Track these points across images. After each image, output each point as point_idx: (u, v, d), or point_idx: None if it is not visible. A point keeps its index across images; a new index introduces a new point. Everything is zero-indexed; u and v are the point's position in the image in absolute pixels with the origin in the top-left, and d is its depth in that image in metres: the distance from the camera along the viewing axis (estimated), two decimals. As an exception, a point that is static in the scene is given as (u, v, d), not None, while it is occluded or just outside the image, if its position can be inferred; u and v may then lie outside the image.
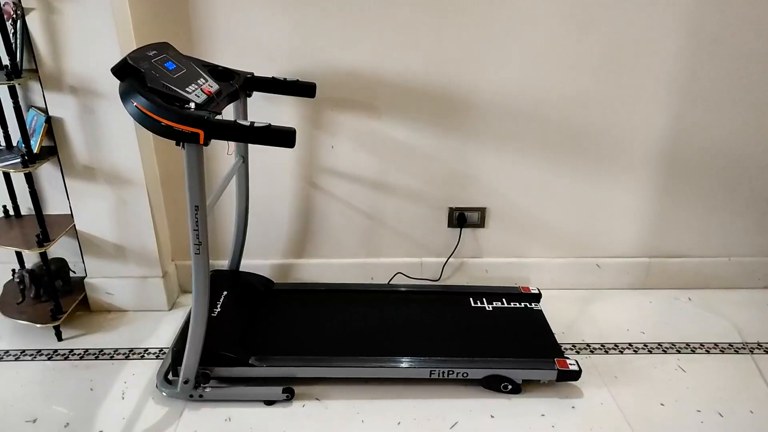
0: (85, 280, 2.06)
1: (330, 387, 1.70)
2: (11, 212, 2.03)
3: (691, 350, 1.89)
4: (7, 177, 1.97)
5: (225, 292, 1.91)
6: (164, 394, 1.67)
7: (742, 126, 2.00)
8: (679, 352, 1.88)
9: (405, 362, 1.68)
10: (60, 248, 2.12)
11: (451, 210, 2.12)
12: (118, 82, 1.36)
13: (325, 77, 1.92)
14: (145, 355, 1.87)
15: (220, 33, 1.86)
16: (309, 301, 1.99)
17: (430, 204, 2.11)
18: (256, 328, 1.81)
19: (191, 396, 1.64)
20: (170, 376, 1.70)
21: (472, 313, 1.93)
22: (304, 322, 1.87)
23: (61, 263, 2.05)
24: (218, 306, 1.83)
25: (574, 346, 1.91)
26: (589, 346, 1.91)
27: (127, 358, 1.85)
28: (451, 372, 1.66)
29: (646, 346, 1.91)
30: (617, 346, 1.91)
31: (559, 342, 1.81)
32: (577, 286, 2.22)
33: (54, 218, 2.01)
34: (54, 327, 1.91)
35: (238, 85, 1.69)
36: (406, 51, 1.88)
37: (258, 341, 1.75)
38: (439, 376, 1.66)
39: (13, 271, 1.99)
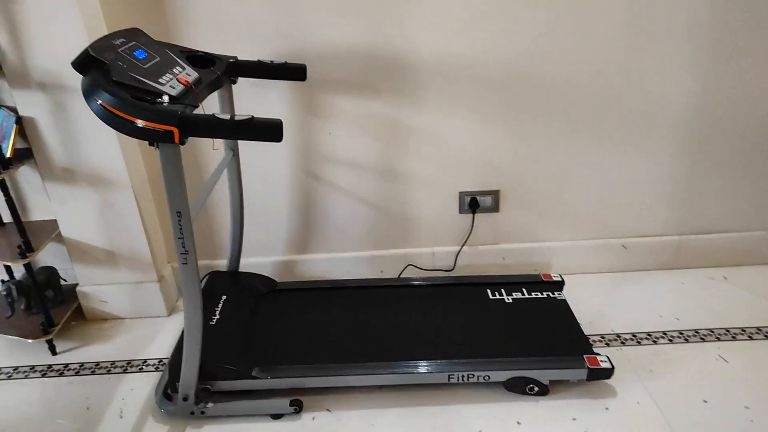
0: (77, 288, 1.94)
1: (341, 396, 1.58)
2: (-7, 221, 1.91)
3: (732, 336, 1.73)
4: (-15, 184, 1.84)
5: (224, 297, 1.78)
6: (164, 411, 1.55)
7: (782, 86, 1.80)
8: (718, 339, 1.73)
9: (421, 366, 1.55)
10: (49, 255, 2.00)
11: (462, 195, 1.95)
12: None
13: (316, 57, 1.75)
14: (144, 367, 1.75)
15: (199, 14, 1.69)
16: (315, 300, 1.85)
17: (439, 189, 1.95)
18: (258, 335, 1.68)
19: (192, 413, 1.52)
20: (170, 391, 1.57)
21: (491, 307, 1.78)
22: (310, 325, 1.73)
23: (50, 272, 1.92)
24: (217, 313, 1.70)
25: (603, 338, 1.76)
26: (620, 336, 1.76)
27: (124, 371, 1.74)
28: (471, 375, 1.52)
29: (682, 334, 1.76)
30: (650, 336, 1.76)
31: (586, 334, 1.66)
32: (602, 270, 2.06)
33: (38, 225, 1.88)
34: (47, 341, 1.80)
35: (220, 71, 1.53)
36: (402, 23, 1.70)
37: (261, 350, 1.62)
38: (458, 380, 1.53)
39: (1, 282, 1.88)
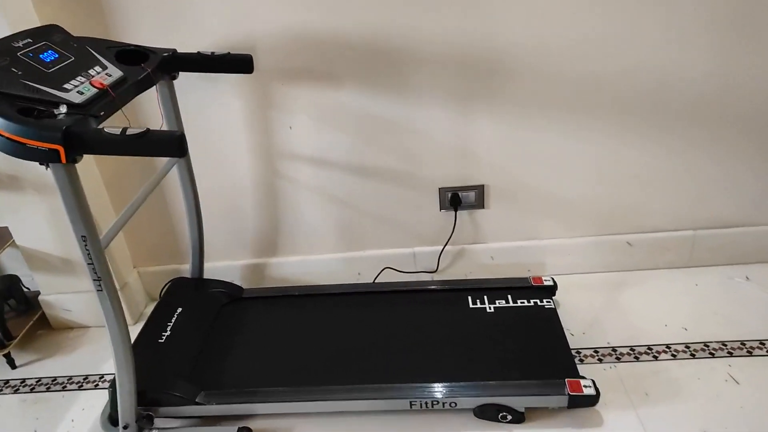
0: (40, 297, 1.86)
1: (297, 421, 1.45)
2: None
3: (748, 351, 1.51)
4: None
5: (179, 309, 1.66)
6: (109, 437, 1.46)
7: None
8: (731, 354, 1.50)
9: (382, 391, 1.39)
10: (12, 261, 1.92)
11: (442, 190, 1.76)
12: None
13: (271, 45, 1.57)
14: (100, 383, 1.66)
15: (141, 3, 1.52)
16: (279, 310, 1.71)
17: (417, 185, 1.76)
18: (211, 354, 1.55)
19: (136, 440, 1.42)
20: (114, 415, 1.48)
21: (469, 318, 1.61)
22: (269, 341, 1.60)
23: (11, 280, 1.85)
24: (168, 329, 1.58)
25: (597, 352, 1.56)
26: (616, 350, 1.56)
27: (80, 387, 1.66)
28: (435, 402, 1.36)
29: (689, 348, 1.54)
30: (651, 350, 1.55)
31: (577, 348, 1.48)
32: (602, 269, 1.85)
33: (-3, 232, 1.80)
34: (4, 356, 1.73)
35: (152, 67, 1.37)
36: (366, 3, 1.50)
37: (211, 371, 1.50)
38: (421, 407, 1.37)
39: (-37, 292, 1.81)
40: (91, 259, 1.14)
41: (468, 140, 1.68)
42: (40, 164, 1.04)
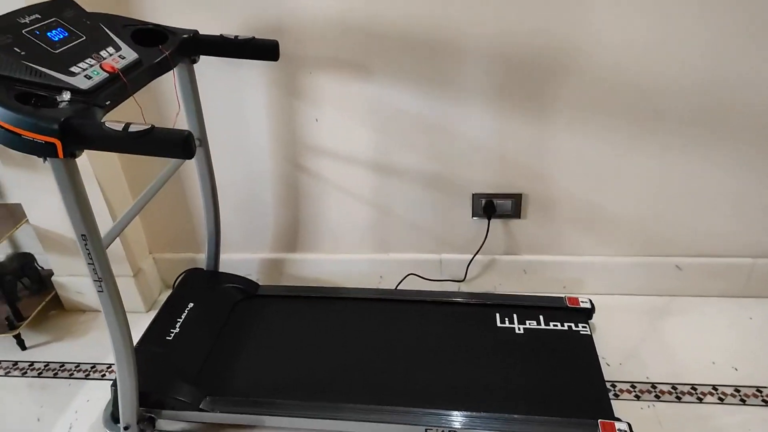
0: (53, 278, 1.81)
1: (304, 435, 1.36)
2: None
3: (807, 401, 1.35)
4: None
5: (191, 305, 1.58)
6: (110, 434, 1.40)
7: None
8: (787, 404, 1.35)
9: (397, 414, 1.29)
10: (28, 239, 1.88)
11: (476, 197, 1.63)
12: None
13: (300, 30, 1.45)
14: (107, 373, 1.61)
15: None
16: (294, 312, 1.62)
17: (449, 189, 1.63)
18: (220, 356, 1.48)
19: (136, 442, 1.36)
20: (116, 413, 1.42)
21: (496, 338, 1.49)
22: (281, 345, 1.52)
23: (25, 258, 1.81)
24: (177, 326, 1.51)
25: (634, 387, 1.43)
26: (655, 387, 1.42)
27: (87, 376, 1.61)
28: (452, 432, 1.25)
29: (738, 392, 1.39)
30: (695, 390, 1.40)
31: (612, 380, 1.35)
32: (646, 293, 1.69)
33: (10, 209, 1.75)
34: (14, 336, 1.69)
35: (171, 49, 1.26)
36: (403, -13, 1.36)
37: (219, 375, 1.42)
38: (436, 436, 1.27)
39: (-21, 268, 1.78)
40: (91, 258, 1.05)
41: (509, 145, 1.53)
42: (38, 157, 0.95)
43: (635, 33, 1.35)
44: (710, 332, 1.56)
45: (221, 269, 1.72)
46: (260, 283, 1.73)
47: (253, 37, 1.34)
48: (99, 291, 1.10)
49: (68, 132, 0.90)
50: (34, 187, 1.62)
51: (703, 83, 1.38)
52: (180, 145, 0.89)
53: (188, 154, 0.91)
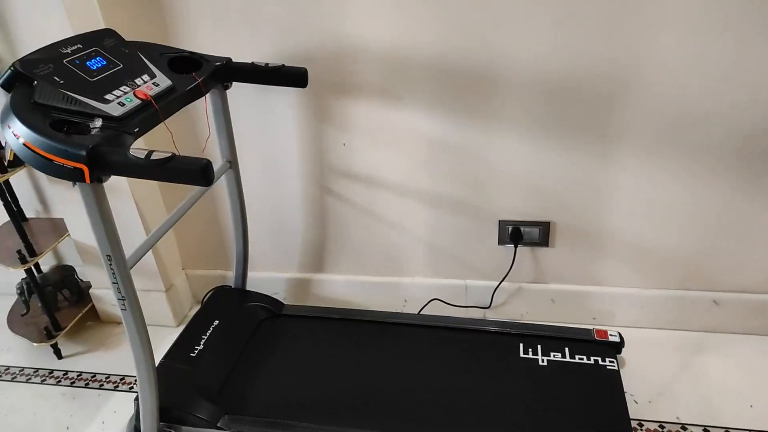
0: (90, 290, 1.89)
1: (319, 459, 1.36)
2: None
3: None
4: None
5: (216, 322, 1.61)
6: (133, 447, 1.44)
7: None
8: (830, 455, 1.26)
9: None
10: (70, 251, 1.96)
11: (503, 224, 1.61)
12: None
13: (328, 56, 1.48)
14: (134, 386, 1.66)
15: (202, 6, 1.48)
16: (318, 333, 1.63)
17: (475, 215, 1.62)
18: (241, 375, 1.50)
19: (157, 456, 1.39)
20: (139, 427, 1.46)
21: (518, 369, 1.45)
22: (303, 367, 1.53)
23: (67, 271, 1.89)
24: (201, 343, 1.54)
25: (662, 427, 1.37)
26: (686, 429, 1.36)
27: (115, 388, 1.66)
28: (467, 466, 1.23)
29: (777, 439, 1.31)
30: (729, 435, 1.34)
31: (639, 419, 1.29)
32: (680, 328, 1.63)
33: (55, 223, 1.84)
34: (51, 345, 1.76)
35: (204, 76, 1.31)
36: (432, 16, 1.37)
37: (239, 393, 1.44)
38: (451, 469, 1.24)
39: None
40: (115, 278, 1.09)
41: (539, 173, 1.51)
42: (67, 181, 1.00)
43: (696, 55, 1.31)
44: (748, 373, 1.48)
45: (250, 286, 1.75)
46: (286, 303, 1.75)
47: (283, 65, 1.38)
48: (122, 309, 1.14)
49: (95, 159, 0.94)
50: (74, 203, 1.69)
51: (749, 110, 1.33)
52: (198, 173, 0.92)
53: (206, 182, 0.93)
